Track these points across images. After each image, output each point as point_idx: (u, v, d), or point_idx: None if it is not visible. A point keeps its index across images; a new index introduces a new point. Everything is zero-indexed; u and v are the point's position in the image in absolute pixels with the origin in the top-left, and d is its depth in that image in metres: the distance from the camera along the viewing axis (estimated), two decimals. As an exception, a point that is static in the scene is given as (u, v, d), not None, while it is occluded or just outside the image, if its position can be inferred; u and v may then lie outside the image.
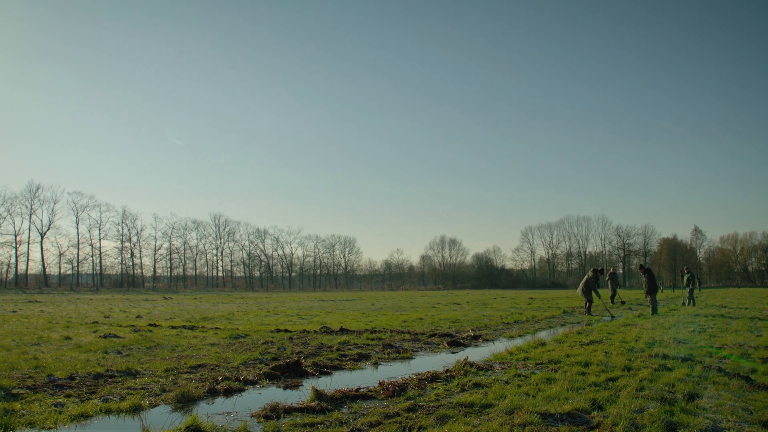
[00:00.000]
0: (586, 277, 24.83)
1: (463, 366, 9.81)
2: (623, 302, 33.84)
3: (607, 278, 32.49)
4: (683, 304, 31.12)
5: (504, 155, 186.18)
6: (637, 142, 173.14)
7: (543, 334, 15.99)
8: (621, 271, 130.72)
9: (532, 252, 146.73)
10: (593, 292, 24.43)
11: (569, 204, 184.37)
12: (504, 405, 6.85)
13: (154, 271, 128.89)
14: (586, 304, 24.48)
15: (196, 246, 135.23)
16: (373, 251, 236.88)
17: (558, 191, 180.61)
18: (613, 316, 22.78)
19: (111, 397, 7.86)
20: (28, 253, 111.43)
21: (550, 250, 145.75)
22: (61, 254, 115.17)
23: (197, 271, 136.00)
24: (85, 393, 8.23)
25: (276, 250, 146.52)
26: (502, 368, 9.87)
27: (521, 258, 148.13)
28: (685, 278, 31.24)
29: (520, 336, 15.90)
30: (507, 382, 8.49)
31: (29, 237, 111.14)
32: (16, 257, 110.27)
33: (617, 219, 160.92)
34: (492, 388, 8.05)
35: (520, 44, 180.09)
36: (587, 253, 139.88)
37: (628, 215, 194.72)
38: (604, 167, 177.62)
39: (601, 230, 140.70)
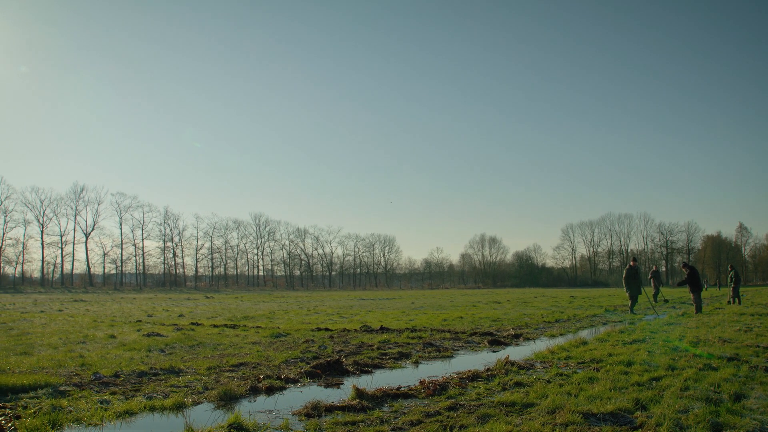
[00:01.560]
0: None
1: (504, 365, 9.76)
2: (666, 300, 33.36)
3: (649, 276, 32.12)
4: (728, 302, 30.61)
5: (544, 153, 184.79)
6: (680, 139, 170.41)
7: (585, 333, 15.85)
8: (664, 269, 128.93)
9: (573, 250, 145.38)
10: (638, 286, 24.13)
11: (610, 201, 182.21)
12: (546, 404, 6.81)
13: (196, 271, 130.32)
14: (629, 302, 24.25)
15: (237, 245, 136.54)
16: (413, 250, 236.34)
17: (599, 189, 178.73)
18: (656, 315, 22.52)
19: (155, 395, 7.97)
20: (73, 254, 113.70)
21: (591, 248, 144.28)
22: (105, 254, 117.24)
23: (238, 270, 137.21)
24: (130, 390, 8.35)
25: (316, 250, 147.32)
26: (544, 367, 9.81)
27: (562, 256, 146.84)
28: (730, 276, 30.74)
29: (561, 335, 15.78)
30: (548, 381, 8.43)
31: (74, 237, 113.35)
32: (62, 257, 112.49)
33: (660, 216, 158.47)
34: (533, 387, 8.00)
35: (559, 43, 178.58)
36: (629, 251, 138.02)
37: (670, 212, 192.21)
38: (646, 164, 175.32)
39: (643, 228, 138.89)
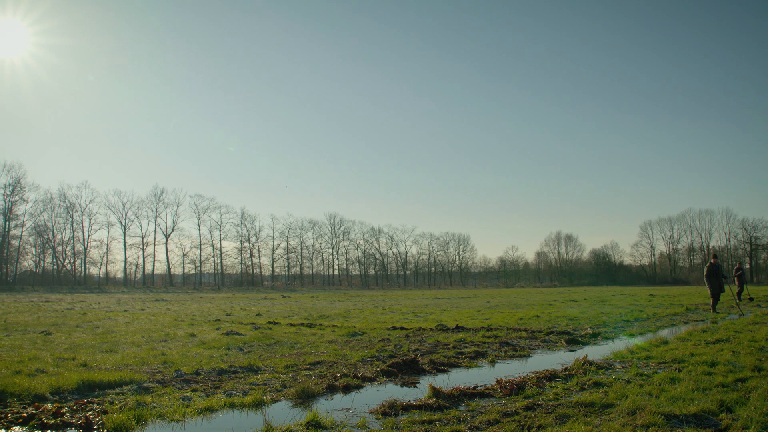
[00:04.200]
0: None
1: (582, 364, 9.63)
2: (751, 299, 32.30)
3: (734, 274, 31.19)
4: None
5: (620, 149, 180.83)
6: (762, 131, 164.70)
7: (665, 332, 15.50)
8: (748, 266, 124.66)
9: (651, 247, 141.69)
10: (720, 283, 23.47)
11: (690, 196, 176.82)
12: (626, 405, 6.69)
13: (272, 271, 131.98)
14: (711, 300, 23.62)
15: (313, 245, 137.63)
16: (488, 248, 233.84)
17: (678, 184, 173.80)
18: (741, 314, 21.87)
19: (234, 392, 8.13)
20: (154, 254, 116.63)
21: (670, 245, 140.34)
22: (184, 255, 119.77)
23: (314, 270, 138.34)
24: (210, 388, 8.54)
25: (390, 249, 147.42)
26: (623, 367, 9.64)
27: (640, 253, 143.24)
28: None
29: (640, 334, 15.47)
30: (628, 382, 8.28)
31: (155, 239, 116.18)
32: (143, 258, 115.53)
33: (743, 211, 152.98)
34: (613, 387, 7.88)
35: (628, 38, 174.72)
36: (710, 247, 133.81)
37: (754, 207, 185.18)
38: (727, 157, 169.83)
39: (726, 224, 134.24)
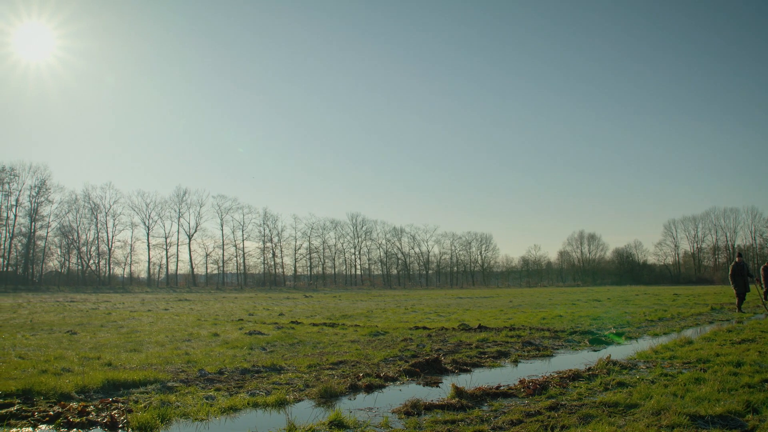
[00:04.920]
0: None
1: (606, 364, 9.59)
2: (778, 299, 31.91)
3: (761, 273, 30.80)
4: None
5: (643, 147, 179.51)
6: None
7: (690, 332, 15.37)
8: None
9: (675, 246, 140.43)
10: (746, 282, 23.25)
11: (715, 195, 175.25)
12: (650, 405, 6.64)
13: (295, 270, 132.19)
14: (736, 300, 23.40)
15: (335, 245, 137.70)
16: (510, 248, 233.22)
17: (702, 182, 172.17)
18: (767, 313, 21.64)
19: (257, 392, 8.17)
20: (177, 255, 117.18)
21: (695, 244, 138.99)
22: (207, 255, 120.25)
23: (336, 269, 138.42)
24: (234, 387, 8.59)
25: (412, 248, 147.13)
26: (647, 367, 9.58)
27: (664, 252, 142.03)
28: None
29: (665, 334, 15.37)
30: (653, 382, 8.23)
31: (178, 239, 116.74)
32: (167, 258, 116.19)
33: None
34: (637, 387, 7.83)
35: (653, 37, 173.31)
36: (735, 246, 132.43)
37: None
38: (752, 155, 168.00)
39: (751, 222, 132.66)
